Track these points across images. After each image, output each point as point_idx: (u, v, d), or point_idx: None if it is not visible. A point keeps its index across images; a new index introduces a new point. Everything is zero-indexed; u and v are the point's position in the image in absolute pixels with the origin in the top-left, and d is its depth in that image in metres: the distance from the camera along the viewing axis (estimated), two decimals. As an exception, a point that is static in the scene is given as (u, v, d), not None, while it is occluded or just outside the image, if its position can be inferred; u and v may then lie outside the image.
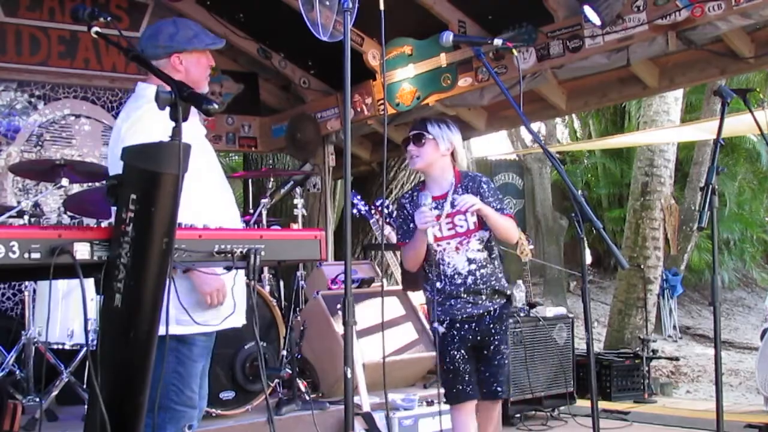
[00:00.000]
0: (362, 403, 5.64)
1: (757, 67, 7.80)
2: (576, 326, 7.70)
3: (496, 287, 4.66)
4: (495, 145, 22.57)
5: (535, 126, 18.75)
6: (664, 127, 12.30)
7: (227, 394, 5.46)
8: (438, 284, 4.60)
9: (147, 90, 3.73)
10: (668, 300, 16.34)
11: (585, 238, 3.66)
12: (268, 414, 2.95)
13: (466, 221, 4.60)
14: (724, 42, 6.72)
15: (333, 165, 9.24)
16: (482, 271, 4.61)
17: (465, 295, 4.57)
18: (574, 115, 20.25)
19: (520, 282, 8.11)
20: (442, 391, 4.63)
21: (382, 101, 7.96)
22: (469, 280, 4.58)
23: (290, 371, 5.73)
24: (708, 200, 4.02)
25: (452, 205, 4.58)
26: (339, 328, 5.86)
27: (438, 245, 4.58)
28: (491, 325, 4.63)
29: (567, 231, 18.32)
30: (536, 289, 16.80)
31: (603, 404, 7.95)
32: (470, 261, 4.59)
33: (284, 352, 5.76)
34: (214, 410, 5.37)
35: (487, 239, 4.66)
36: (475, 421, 4.70)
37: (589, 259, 20.97)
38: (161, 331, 3.55)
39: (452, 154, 4.68)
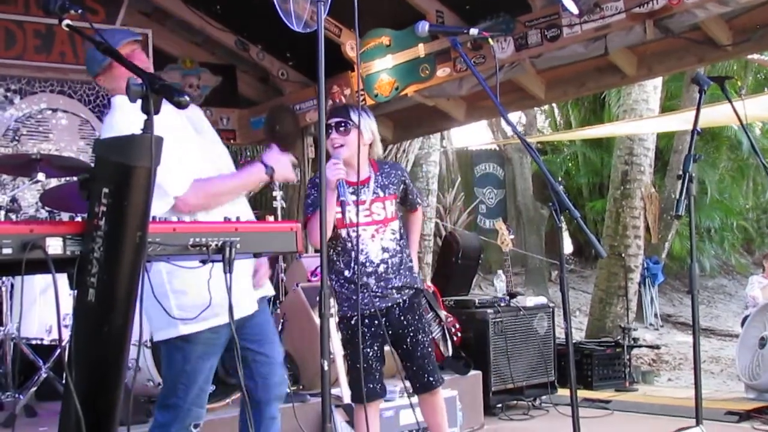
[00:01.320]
0: (343, 395, 5.63)
1: (735, 54, 7.83)
2: (557, 315, 7.72)
3: (405, 277, 4.62)
4: (475, 136, 22.60)
5: (515, 116, 18.81)
6: (644, 118, 12.33)
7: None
8: (347, 272, 4.55)
9: (118, 99, 3.77)
10: (649, 288, 16.39)
11: (563, 228, 3.65)
12: (245, 409, 2.92)
13: (384, 209, 4.59)
14: (702, 30, 6.71)
15: (312, 156, 9.22)
16: (393, 260, 4.58)
17: (374, 285, 4.51)
18: (554, 105, 20.28)
19: (500, 272, 8.13)
20: (348, 391, 4.63)
21: (361, 92, 7.93)
22: (381, 268, 4.53)
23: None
24: (685, 188, 4.03)
25: (378, 185, 4.59)
26: (319, 320, 5.85)
27: (353, 231, 4.49)
28: (401, 317, 4.59)
29: (548, 221, 18.37)
30: (517, 279, 16.82)
31: (584, 393, 7.99)
32: (384, 249, 4.56)
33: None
34: (194, 404, 5.35)
35: (399, 229, 4.66)
36: (378, 419, 4.72)
37: (569, 248, 21.07)
38: (163, 336, 3.67)
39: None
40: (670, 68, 7.89)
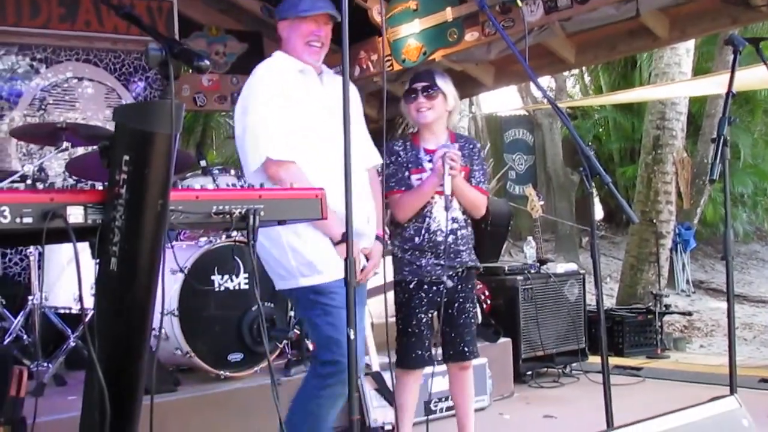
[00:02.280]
0: (372, 363, 5.61)
1: (769, 15, 7.67)
2: (587, 282, 7.65)
3: (471, 253, 4.61)
4: (504, 101, 22.44)
5: (545, 80, 18.62)
6: (676, 82, 12.16)
7: (235, 356, 5.43)
8: (417, 239, 4.50)
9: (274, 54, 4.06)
10: (681, 254, 16.25)
11: (594, 194, 3.58)
12: (271, 378, 2.89)
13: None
14: (735, -10, 6.59)
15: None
16: (462, 231, 4.54)
17: (442, 254, 4.45)
18: (584, 69, 20.08)
19: (530, 239, 8.06)
20: (377, 359, 4.61)
21: (388, 57, 7.85)
22: (450, 238, 4.47)
23: (298, 332, 5.70)
24: (720, 152, 3.94)
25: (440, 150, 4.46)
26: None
27: (430, 198, 4.48)
28: (458, 286, 4.55)
29: (578, 186, 18.22)
30: (548, 245, 16.72)
31: (616, 360, 7.94)
32: (454, 220, 4.49)
33: (292, 313, 5.71)
34: (222, 372, 5.35)
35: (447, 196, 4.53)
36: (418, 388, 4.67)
37: (600, 214, 20.97)
38: (287, 285, 3.83)
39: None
40: (704, 30, 7.75)
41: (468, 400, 4.72)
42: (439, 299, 4.48)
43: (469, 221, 4.61)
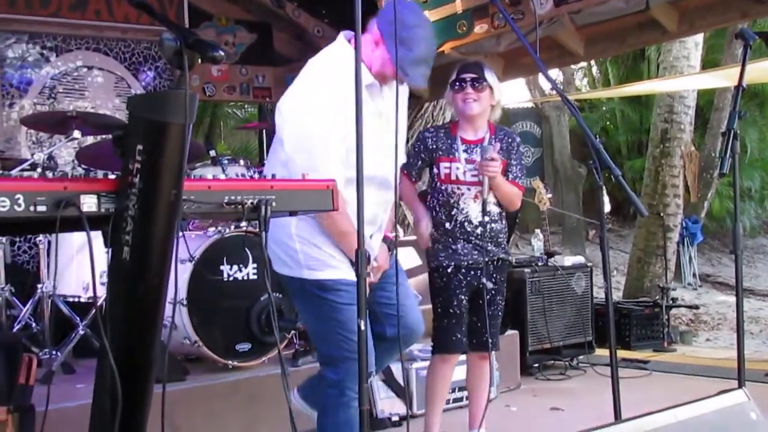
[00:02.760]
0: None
1: (779, 9, 7.65)
2: (595, 275, 7.65)
3: (502, 245, 4.64)
4: (513, 93, 22.40)
5: (553, 73, 18.57)
6: (684, 75, 12.15)
7: (243, 346, 5.44)
8: (447, 224, 4.54)
9: (341, 46, 3.74)
10: (688, 248, 16.25)
11: (603, 186, 3.58)
12: (281, 368, 2.90)
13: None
14: (745, -16, 6.58)
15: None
16: (493, 225, 4.56)
17: (474, 242, 4.51)
18: (592, 62, 20.04)
19: (537, 231, 8.06)
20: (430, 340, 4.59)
21: (397, 49, 7.84)
22: (479, 230, 4.51)
23: (306, 322, 5.71)
24: (729, 146, 3.94)
25: (482, 153, 4.46)
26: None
27: (458, 188, 4.51)
28: (494, 274, 4.59)
29: (586, 179, 18.22)
30: (555, 238, 16.74)
31: (622, 353, 7.94)
32: (485, 213, 4.49)
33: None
34: (230, 362, 5.37)
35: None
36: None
37: (608, 207, 20.98)
38: (289, 272, 3.71)
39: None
40: (713, 23, 7.73)
41: (484, 390, 4.76)
42: (475, 282, 4.53)
43: (503, 215, 4.64)
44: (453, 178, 4.51)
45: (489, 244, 4.53)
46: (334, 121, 3.48)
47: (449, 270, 4.51)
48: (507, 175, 4.58)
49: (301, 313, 3.91)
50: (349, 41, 3.70)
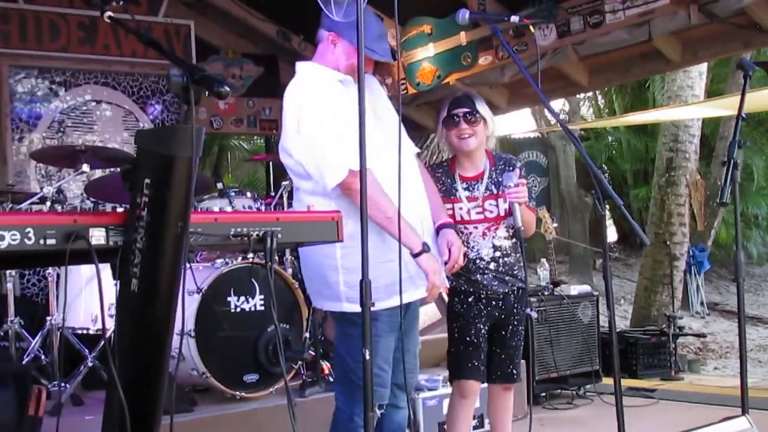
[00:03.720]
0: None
1: (782, 39, 7.71)
2: (601, 304, 7.64)
3: (519, 277, 4.48)
4: (518, 123, 22.47)
5: (558, 103, 18.67)
6: (688, 104, 12.20)
7: (251, 377, 5.46)
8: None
9: (301, 67, 3.97)
10: (695, 276, 16.23)
11: (606, 216, 3.62)
12: (287, 399, 2.94)
13: (497, 206, 4.40)
14: (747, 14, 6.61)
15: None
16: (506, 259, 4.43)
17: (489, 273, 4.39)
18: (597, 92, 20.12)
19: (544, 260, 8.08)
20: (445, 371, 4.52)
21: (402, 81, 7.92)
22: (492, 266, 4.40)
23: (313, 353, 5.73)
24: (730, 175, 3.98)
25: (501, 184, 4.37)
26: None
27: (465, 228, 4.39)
28: (515, 304, 4.46)
29: (592, 208, 18.20)
30: (562, 267, 16.72)
31: (629, 382, 7.93)
32: (495, 248, 4.41)
33: (307, 334, 5.75)
34: (238, 393, 5.38)
35: (514, 227, 4.40)
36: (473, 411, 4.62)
37: (614, 236, 20.87)
38: (330, 307, 3.76)
39: None
40: (716, 54, 7.79)
41: (508, 422, 4.68)
42: (496, 313, 4.43)
43: (517, 245, 4.47)
44: (458, 218, 4.37)
45: (506, 277, 4.42)
46: (330, 119, 3.61)
47: (470, 298, 4.40)
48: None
49: (336, 339, 3.92)
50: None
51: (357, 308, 3.37)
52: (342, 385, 3.82)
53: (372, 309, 3.48)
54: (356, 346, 3.45)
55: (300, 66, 3.99)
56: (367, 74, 3.93)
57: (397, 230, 3.36)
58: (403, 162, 3.74)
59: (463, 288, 4.40)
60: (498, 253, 4.42)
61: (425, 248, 3.62)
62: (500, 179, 4.43)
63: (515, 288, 4.47)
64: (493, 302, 4.42)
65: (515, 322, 4.49)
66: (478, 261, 4.40)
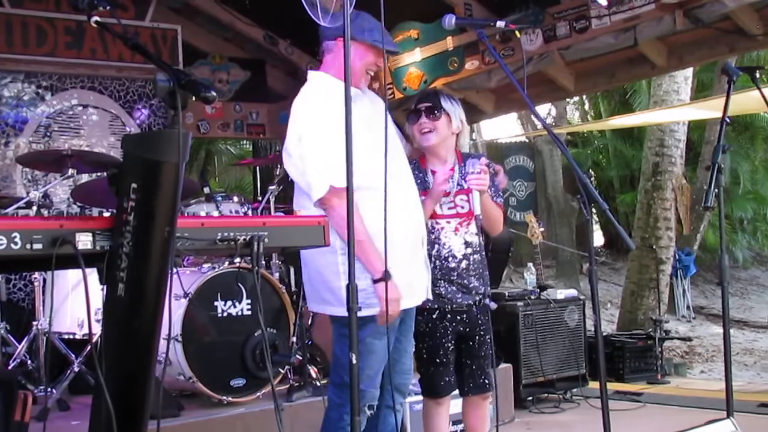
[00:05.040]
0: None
1: (766, 44, 7.75)
2: (587, 308, 7.67)
3: (485, 276, 4.46)
4: (505, 128, 22.53)
5: (545, 107, 18.71)
6: (674, 106, 12.24)
7: (238, 382, 5.46)
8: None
9: (313, 76, 3.98)
10: (681, 280, 16.29)
11: (592, 220, 3.63)
12: (274, 403, 2.94)
13: (468, 202, 4.33)
14: (732, 20, 6.66)
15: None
16: (476, 256, 4.39)
17: (457, 281, 4.34)
18: (584, 97, 20.18)
19: (530, 265, 8.10)
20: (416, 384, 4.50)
21: (389, 86, 7.93)
22: (463, 264, 4.35)
23: (300, 357, 5.73)
24: (714, 179, 4.00)
25: (469, 167, 4.32)
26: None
27: (436, 223, 4.35)
28: (478, 316, 4.41)
29: (579, 213, 18.26)
30: (549, 271, 16.78)
31: (616, 386, 7.96)
32: (467, 244, 4.36)
33: (294, 339, 5.75)
34: (225, 397, 5.38)
35: (481, 225, 4.37)
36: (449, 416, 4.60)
37: (600, 240, 20.95)
38: (330, 311, 3.78)
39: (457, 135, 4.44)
40: (701, 58, 7.83)
41: (486, 429, 4.68)
42: (461, 328, 4.39)
43: (482, 245, 4.45)
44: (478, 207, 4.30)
45: (472, 279, 4.38)
46: (331, 132, 3.59)
47: (434, 315, 4.33)
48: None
49: (333, 342, 3.93)
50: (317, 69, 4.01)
51: (360, 313, 3.39)
52: (336, 386, 3.86)
53: (369, 313, 3.57)
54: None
55: (311, 75, 4.02)
56: (369, 90, 4.07)
57: (363, 254, 3.47)
58: (401, 172, 3.82)
59: (428, 305, 4.29)
60: (469, 250, 4.37)
61: (385, 276, 3.59)
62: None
63: (478, 298, 4.41)
64: (458, 317, 4.37)
65: (482, 332, 4.45)
66: (450, 259, 4.33)
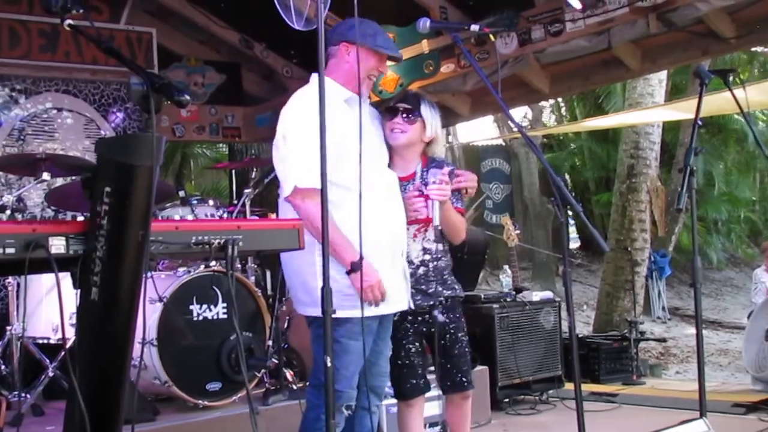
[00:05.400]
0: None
1: (738, 47, 7.83)
2: (563, 310, 7.66)
3: (450, 281, 4.42)
4: (481, 131, 22.59)
5: (521, 110, 18.77)
6: (649, 107, 12.30)
7: (214, 385, 5.44)
8: None
9: (314, 78, 3.93)
10: (657, 282, 16.40)
11: (566, 223, 3.65)
12: (250, 407, 2.94)
13: (427, 208, 4.22)
14: (705, 23, 6.72)
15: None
16: (436, 263, 4.34)
17: (415, 286, 4.27)
18: (559, 100, 20.27)
19: (507, 267, 8.12)
20: (390, 387, 4.41)
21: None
22: (421, 270, 4.30)
23: (276, 361, 5.72)
24: (686, 182, 4.03)
25: (431, 176, 4.23)
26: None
27: None
28: (447, 314, 4.38)
29: (555, 215, 18.30)
30: (525, 273, 16.83)
31: (592, 387, 7.99)
32: (425, 251, 4.32)
33: (270, 342, 5.74)
34: (200, 401, 5.37)
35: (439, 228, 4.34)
36: (422, 418, 4.57)
37: (576, 242, 20.96)
38: (308, 312, 3.80)
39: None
40: (675, 61, 7.89)
41: (467, 428, 4.63)
42: (425, 329, 4.36)
43: (447, 250, 4.42)
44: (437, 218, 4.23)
45: (433, 285, 4.34)
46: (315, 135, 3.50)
47: (395, 318, 4.26)
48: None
49: (312, 342, 3.95)
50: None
51: (337, 313, 3.38)
52: (314, 387, 3.88)
53: (345, 315, 3.59)
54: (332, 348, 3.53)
55: (312, 77, 3.99)
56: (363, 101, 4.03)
57: (331, 247, 3.38)
58: (390, 184, 3.97)
59: None
60: (427, 256, 4.33)
61: (355, 267, 3.63)
62: (430, 179, 4.31)
63: (442, 299, 4.37)
64: (419, 318, 4.34)
65: (452, 331, 4.41)
66: (408, 264, 4.25)
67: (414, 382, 4.38)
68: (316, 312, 3.61)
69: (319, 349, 3.81)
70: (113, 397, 2.65)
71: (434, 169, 4.28)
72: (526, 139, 3.87)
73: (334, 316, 3.30)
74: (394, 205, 4.06)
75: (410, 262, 4.27)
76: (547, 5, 6.91)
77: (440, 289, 4.36)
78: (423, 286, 4.31)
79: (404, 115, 4.26)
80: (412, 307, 4.18)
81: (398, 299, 4.00)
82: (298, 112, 3.84)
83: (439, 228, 4.25)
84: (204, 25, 8.92)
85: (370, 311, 3.76)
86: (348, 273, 3.69)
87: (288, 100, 3.97)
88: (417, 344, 4.39)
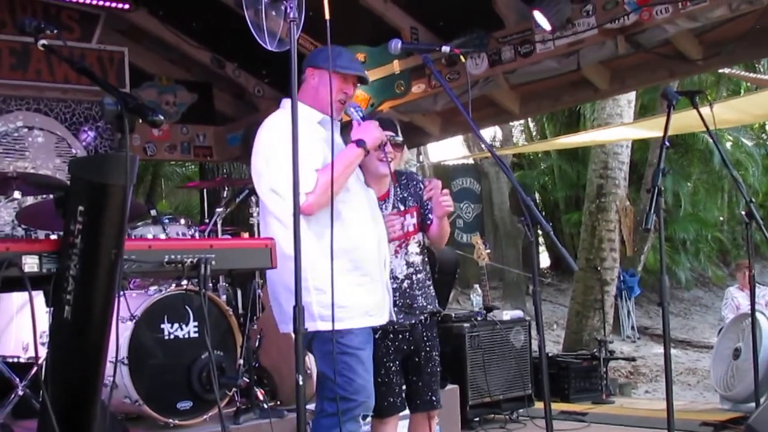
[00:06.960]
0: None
1: (705, 68, 7.93)
2: (533, 329, 7.73)
3: (431, 293, 4.50)
4: (452, 150, 22.65)
5: (491, 130, 18.85)
6: (617, 125, 12.37)
7: (184, 404, 5.42)
8: None
9: (285, 103, 3.97)
10: (626, 301, 16.50)
11: (536, 242, 3.69)
12: (221, 426, 2.95)
13: (404, 223, 4.38)
14: (672, 44, 6.81)
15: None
16: (419, 275, 4.43)
17: (400, 300, 4.33)
18: (530, 120, 20.38)
19: (477, 286, 8.16)
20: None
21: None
22: (405, 284, 4.37)
23: (248, 380, 5.71)
24: (654, 202, 4.08)
25: (407, 200, 4.40)
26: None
27: None
28: (424, 333, 4.44)
29: (525, 234, 18.36)
30: (496, 292, 16.87)
31: (561, 406, 8.02)
32: (408, 264, 4.40)
33: (241, 361, 5.73)
34: (171, 420, 5.34)
35: (423, 243, 4.47)
36: None
37: (546, 262, 21.00)
38: (313, 327, 3.74)
39: None
40: (643, 82, 7.99)
41: None
42: (405, 347, 4.39)
43: (426, 263, 4.50)
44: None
45: (418, 298, 4.41)
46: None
47: (377, 335, 4.23)
48: (427, 216, 4.48)
49: (317, 360, 3.99)
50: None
51: (329, 326, 3.56)
52: (330, 400, 3.87)
53: (346, 327, 3.72)
54: (337, 360, 3.67)
55: (284, 102, 4.04)
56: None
57: (339, 163, 3.74)
58: (368, 198, 4.07)
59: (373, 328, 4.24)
60: (411, 270, 4.41)
61: (361, 144, 3.90)
62: (404, 195, 4.44)
63: (423, 317, 4.43)
64: (401, 336, 4.37)
65: (428, 349, 4.47)
66: (392, 280, 4.29)
67: (391, 400, 4.37)
68: (313, 326, 3.71)
69: (324, 363, 3.87)
70: (85, 416, 2.65)
71: (418, 182, 4.49)
72: (496, 158, 3.91)
73: (338, 327, 3.56)
74: (377, 221, 4.12)
75: (395, 278, 4.34)
76: (517, 26, 6.99)
77: (424, 303, 4.44)
78: (408, 300, 4.38)
79: (392, 144, 4.30)
80: (394, 318, 4.21)
81: (383, 312, 4.06)
82: (275, 135, 3.87)
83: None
84: (175, 44, 8.94)
85: (364, 321, 3.87)
86: (358, 146, 3.89)
87: (260, 122, 4.00)
88: (397, 362, 4.40)
